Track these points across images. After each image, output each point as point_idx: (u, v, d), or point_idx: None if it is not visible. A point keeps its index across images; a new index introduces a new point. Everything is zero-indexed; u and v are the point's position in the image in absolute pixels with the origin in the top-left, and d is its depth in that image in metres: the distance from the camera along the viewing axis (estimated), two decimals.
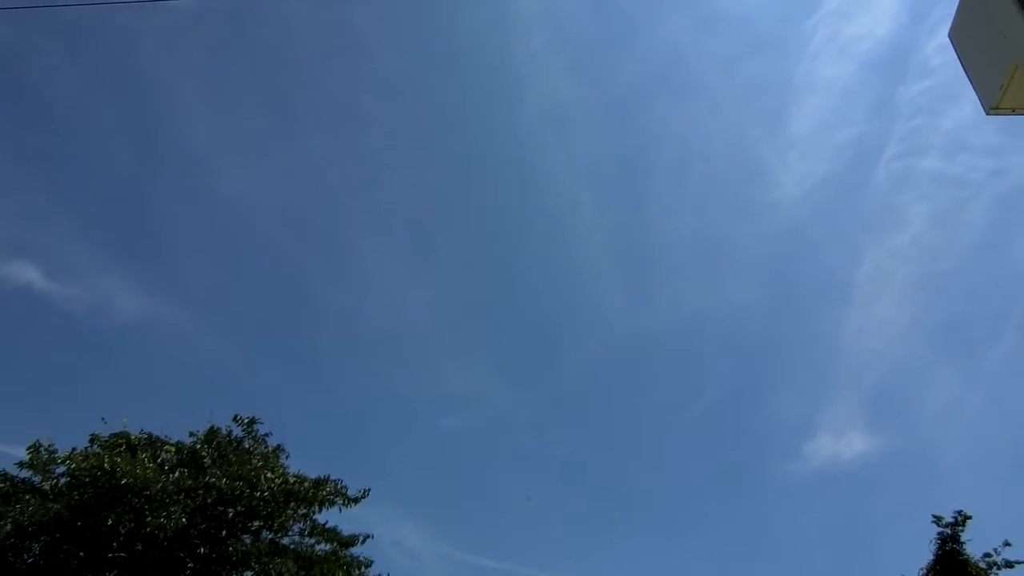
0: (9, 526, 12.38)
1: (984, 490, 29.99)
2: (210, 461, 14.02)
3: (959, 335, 37.22)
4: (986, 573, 12.51)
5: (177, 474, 13.21)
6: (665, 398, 38.70)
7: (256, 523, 13.91)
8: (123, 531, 12.40)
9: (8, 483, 13.37)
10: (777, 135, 40.20)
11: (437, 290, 39.67)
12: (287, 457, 15.25)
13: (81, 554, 12.66)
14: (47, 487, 13.30)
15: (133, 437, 14.21)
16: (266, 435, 15.30)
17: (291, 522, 14.29)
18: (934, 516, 13.16)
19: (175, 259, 35.94)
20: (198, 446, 14.47)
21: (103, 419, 14.25)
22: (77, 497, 12.81)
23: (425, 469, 33.25)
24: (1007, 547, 12.75)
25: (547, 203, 41.21)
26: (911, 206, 38.71)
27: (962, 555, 12.65)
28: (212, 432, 14.81)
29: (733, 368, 39.29)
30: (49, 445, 13.49)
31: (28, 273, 29.64)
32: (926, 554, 12.91)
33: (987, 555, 12.70)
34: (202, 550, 12.79)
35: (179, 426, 15.00)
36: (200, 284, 36.31)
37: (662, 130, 40.35)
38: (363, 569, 14.65)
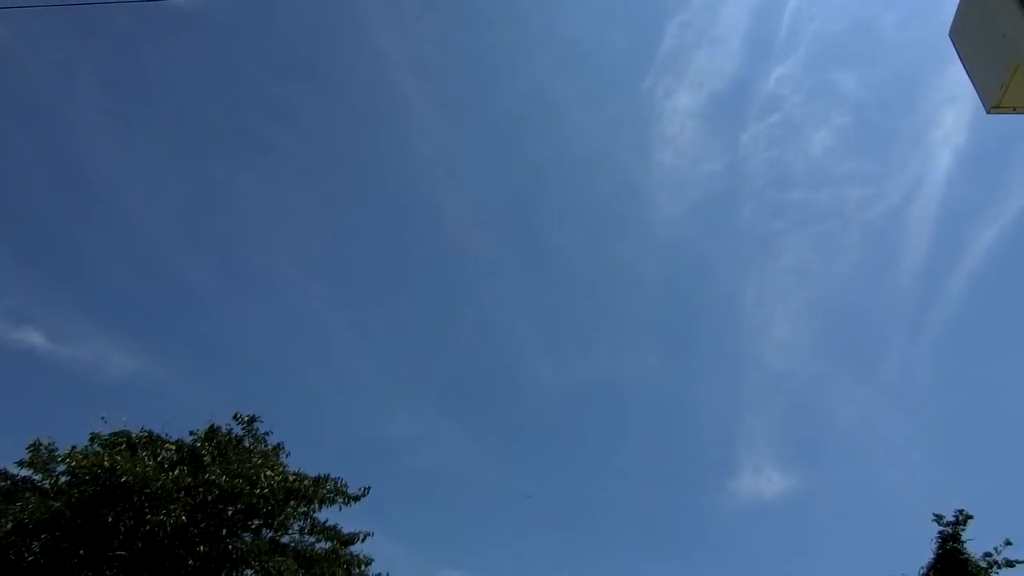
0: (10, 524, 12.42)
1: (910, 492, 31.19)
2: (210, 459, 14.02)
3: (855, 352, 38.91)
4: (986, 572, 12.50)
5: (177, 472, 13.20)
6: (591, 449, 39.42)
7: (256, 521, 13.90)
8: (123, 529, 12.43)
9: (8, 481, 13.39)
10: (647, 167, 41.61)
11: (366, 331, 40.41)
12: (287, 455, 15.27)
13: (81, 552, 12.67)
14: (47, 485, 13.30)
15: (133, 435, 14.19)
16: (266, 433, 15.33)
17: (291, 520, 14.29)
18: (935, 515, 13.15)
19: (134, 311, 36.42)
20: (198, 444, 14.47)
21: (102, 418, 14.29)
22: (77, 495, 12.83)
23: (398, 498, 33.84)
24: (1008, 546, 12.75)
25: (449, 242, 41.92)
26: (786, 235, 40.15)
27: (963, 554, 12.64)
28: (212, 430, 14.80)
29: (649, 412, 40.30)
30: (49, 443, 13.50)
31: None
32: (876, 561, 12.93)
33: (987, 554, 12.69)
34: (202, 548, 12.79)
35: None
36: (168, 338, 37.00)
37: (541, 164, 41.51)
38: (363, 567, 14.66)
